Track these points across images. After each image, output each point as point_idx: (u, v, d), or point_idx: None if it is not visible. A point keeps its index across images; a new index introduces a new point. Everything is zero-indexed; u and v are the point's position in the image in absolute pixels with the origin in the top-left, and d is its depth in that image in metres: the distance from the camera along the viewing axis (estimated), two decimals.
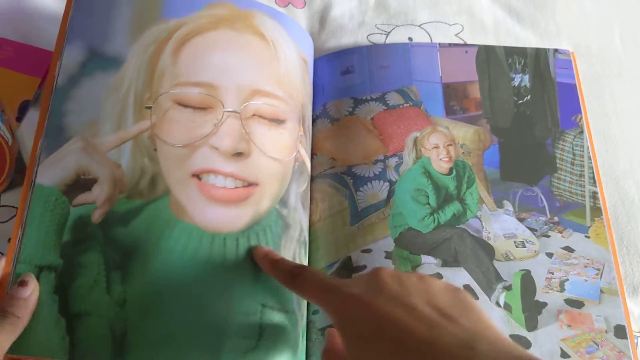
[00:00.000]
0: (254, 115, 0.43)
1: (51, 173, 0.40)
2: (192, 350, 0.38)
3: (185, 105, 0.42)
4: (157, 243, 0.40)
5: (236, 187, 0.42)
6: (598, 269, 0.46)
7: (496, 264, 0.46)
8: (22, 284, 0.37)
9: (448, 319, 0.29)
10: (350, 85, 0.55)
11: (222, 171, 0.41)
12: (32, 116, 0.52)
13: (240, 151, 0.42)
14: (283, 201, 0.44)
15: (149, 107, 0.43)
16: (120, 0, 0.46)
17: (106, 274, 0.39)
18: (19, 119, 0.51)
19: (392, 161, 0.51)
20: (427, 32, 0.61)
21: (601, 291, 0.45)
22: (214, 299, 0.39)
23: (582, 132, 0.53)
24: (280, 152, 0.44)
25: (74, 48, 0.44)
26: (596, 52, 0.61)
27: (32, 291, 0.37)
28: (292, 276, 0.37)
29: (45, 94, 0.44)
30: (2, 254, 0.45)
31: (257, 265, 0.41)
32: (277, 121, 0.44)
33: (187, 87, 0.43)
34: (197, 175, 0.41)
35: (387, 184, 0.50)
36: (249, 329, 0.39)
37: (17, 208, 0.42)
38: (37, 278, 0.38)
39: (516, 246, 0.47)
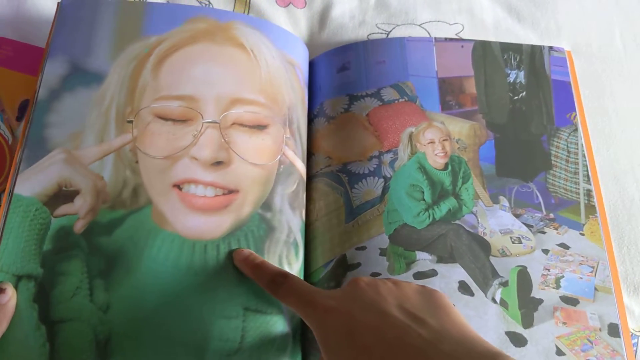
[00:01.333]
0: (233, 124, 0.45)
1: (32, 183, 0.41)
2: (175, 355, 0.38)
3: (166, 119, 0.44)
4: (139, 251, 0.41)
5: (216, 196, 0.43)
6: (592, 267, 0.46)
7: (492, 259, 0.45)
8: (0, 291, 0.38)
9: (417, 321, 0.31)
10: (346, 82, 0.54)
11: (202, 181, 0.42)
12: None
13: (219, 160, 0.43)
14: (266, 204, 0.44)
15: (131, 121, 0.44)
16: (103, 18, 0.48)
17: (89, 282, 0.39)
18: (19, 118, 0.51)
19: (387, 157, 0.50)
20: (428, 32, 0.61)
21: (595, 289, 0.45)
22: (195, 304, 0.40)
23: (576, 129, 0.52)
24: (261, 158, 0.45)
25: (56, 62, 0.46)
26: (596, 51, 0.61)
27: (9, 298, 0.38)
28: (275, 284, 0.38)
29: (30, 105, 0.45)
30: None
31: (238, 270, 0.41)
32: (259, 127, 0.45)
33: (168, 101, 0.44)
34: (178, 186, 0.43)
35: (381, 180, 0.49)
36: (231, 332, 0.39)
37: (1, 205, 0.42)
38: (16, 287, 0.38)
39: (512, 242, 0.46)
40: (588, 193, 0.50)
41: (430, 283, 0.44)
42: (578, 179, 0.50)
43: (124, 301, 0.39)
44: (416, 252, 0.46)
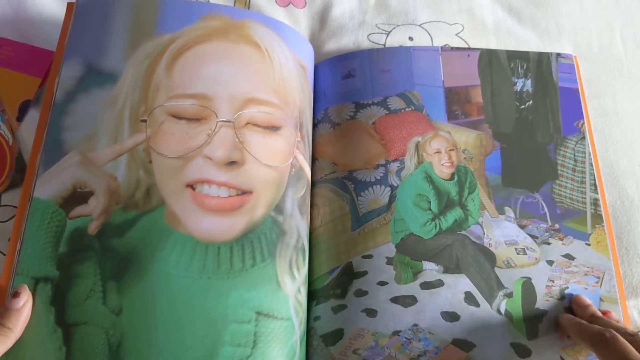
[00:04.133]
0: (247, 123, 0.44)
1: (48, 186, 0.41)
2: (187, 359, 0.38)
3: (180, 117, 0.43)
4: (152, 253, 0.40)
5: (230, 196, 0.42)
6: (598, 277, 0.46)
7: (497, 270, 0.46)
8: (15, 295, 0.38)
9: None
10: (352, 90, 0.54)
11: (215, 181, 0.42)
12: (33, 116, 0.52)
13: (233, 160, 0.43)
14: (279, 208, 0.44)
15: (144, 120, 0.44)
16: (117, 16, 0.47)
17: (102, 284, 0.39)
18: (20, 118, 0.52)
19: (394, 166, 0.50)
20: (428, 32, 0.61)
21: (601, 299, 0.45)
22: (208, 307, 0.40)
23: (584, 137, 0.52)
24: (275, 159, 0.44)
25: (72, 64, 0.46)
26: (597, 51, 0.61)
27: (24, 302, 0.38)
28: (601, 340, 0.37)
29: (43, 110, 0.45)
30: (3, 254, 0.46)
31: (251, 273, 0.41)
32: (272, 128, 0.45)
33: (182, 99, 0.44)
34: (191, 186, 0.42)
35: (388, 189, 0.49)
36: (243, 337, 0.39)
37: (17, 207, 0.42)
38: (34, 290, 0.39)
39: (517, 253, 0.47)
40: (595, 202, 0.50)
41: (437, 293, 0.44)
42: (584, 188, 0.50)
43: (135, 304, 0.39)
44: (422, 262, 0.46)
